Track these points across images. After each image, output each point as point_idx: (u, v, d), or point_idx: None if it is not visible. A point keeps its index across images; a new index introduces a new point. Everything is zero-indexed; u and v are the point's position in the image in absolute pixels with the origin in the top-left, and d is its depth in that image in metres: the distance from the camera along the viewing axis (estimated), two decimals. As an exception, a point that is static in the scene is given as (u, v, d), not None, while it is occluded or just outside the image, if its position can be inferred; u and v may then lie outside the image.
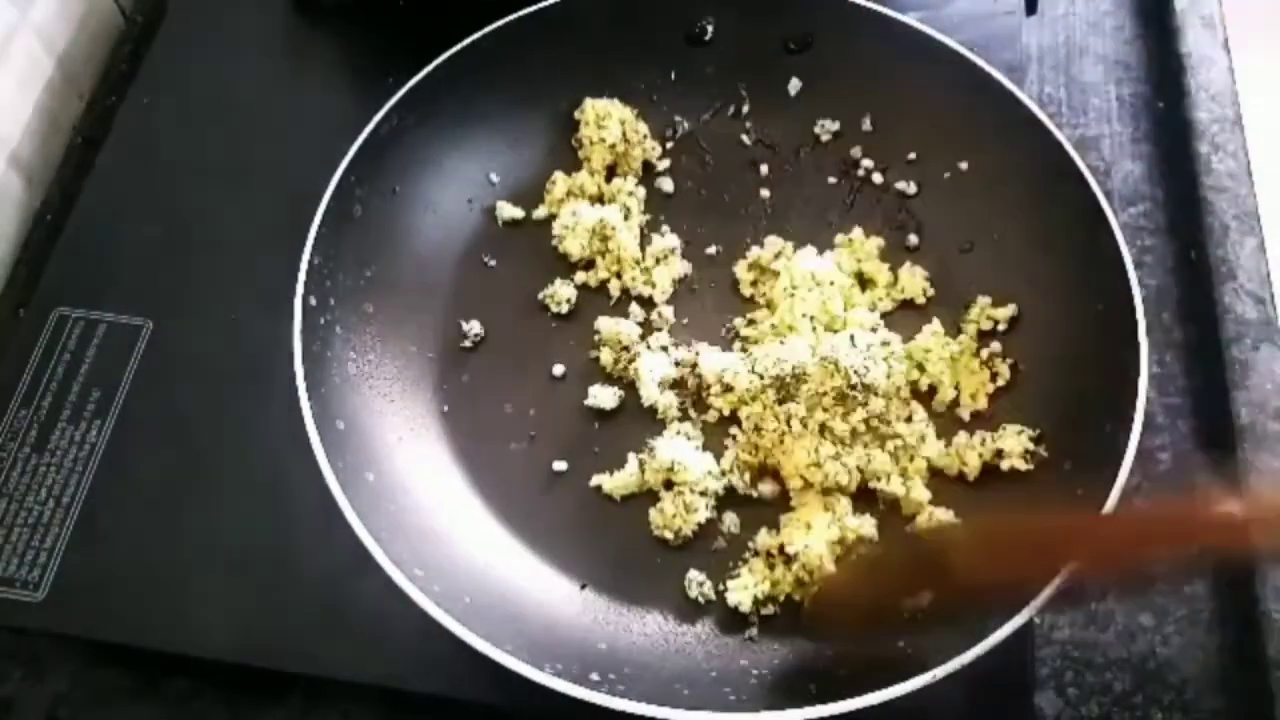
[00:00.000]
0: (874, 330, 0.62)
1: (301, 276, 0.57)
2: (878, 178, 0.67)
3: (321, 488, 0.52)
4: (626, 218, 0.66)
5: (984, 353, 0.61)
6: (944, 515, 0.56)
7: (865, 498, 0.58)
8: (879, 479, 0.57)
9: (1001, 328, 0.62)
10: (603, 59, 0.67)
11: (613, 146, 0.67)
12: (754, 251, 0.65)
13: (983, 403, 0.60)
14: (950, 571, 0.48)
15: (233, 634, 0.56)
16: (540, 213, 0.68)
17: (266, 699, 0.58)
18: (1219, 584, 0.59)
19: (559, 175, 0.68)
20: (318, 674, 0.56)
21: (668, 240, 0.66)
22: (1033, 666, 0.57)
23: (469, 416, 0.61)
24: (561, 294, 0.64)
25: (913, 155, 0.67)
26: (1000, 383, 0.60)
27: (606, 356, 0.62)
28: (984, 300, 0.62)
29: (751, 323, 0.64)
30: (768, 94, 0.69)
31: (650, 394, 0.61)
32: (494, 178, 0.68)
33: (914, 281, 0.64)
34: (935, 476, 0.59)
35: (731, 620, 0.55)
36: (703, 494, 0.58)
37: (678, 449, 0.58)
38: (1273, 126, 0.72)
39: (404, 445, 0.59)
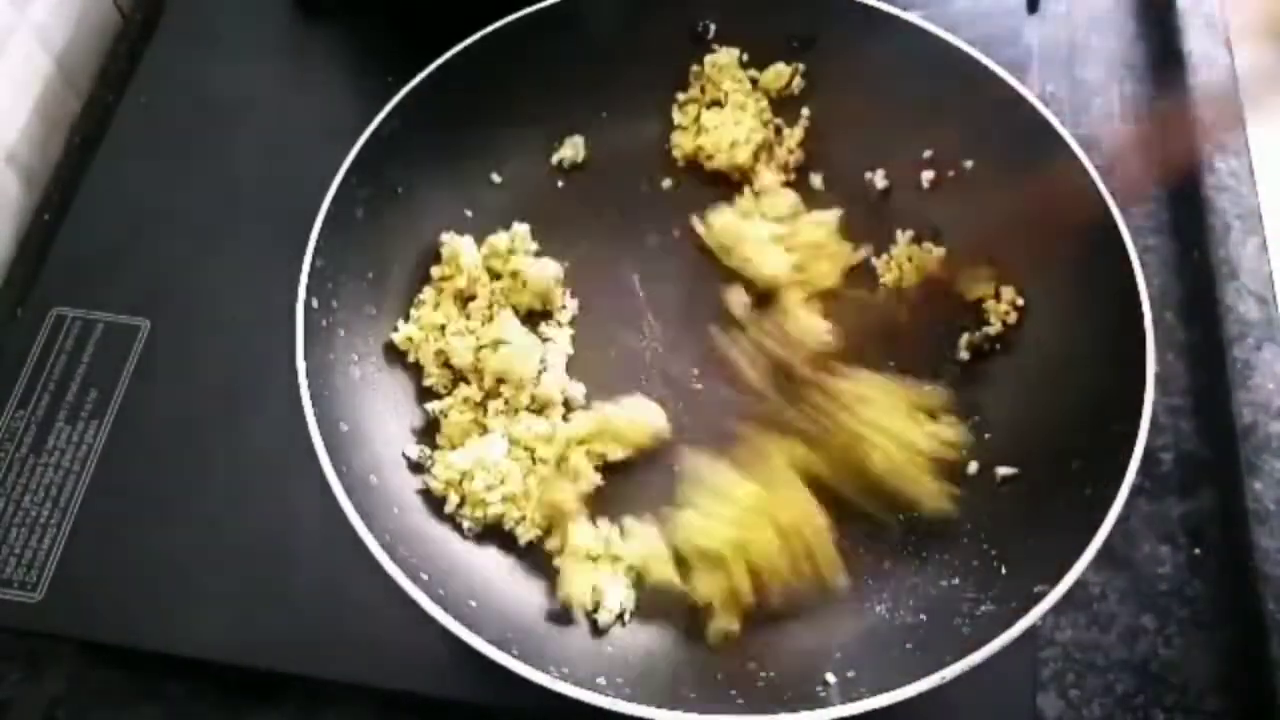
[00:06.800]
0: None
1: (304, 279, 0.57)
2: (882, 179, 0.67)
3: (322, 490, 0.51)
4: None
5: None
6: None
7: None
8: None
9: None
10: (605, 58, 0.66)
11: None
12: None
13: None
14: None
15: (232, 636, 0.56)
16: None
17: (265, 701, 0.58)
18: (1221, 585, 0.60)
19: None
20: (317, 676, 0.55)
21: None
22: (1035, 668, 0.57)
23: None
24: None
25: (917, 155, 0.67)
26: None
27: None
28: None
29: None
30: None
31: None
32: (496, 179, 0.67)
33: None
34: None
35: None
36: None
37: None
38: (1275, 125, 0.72)
39: (409, 448, 0.59)
